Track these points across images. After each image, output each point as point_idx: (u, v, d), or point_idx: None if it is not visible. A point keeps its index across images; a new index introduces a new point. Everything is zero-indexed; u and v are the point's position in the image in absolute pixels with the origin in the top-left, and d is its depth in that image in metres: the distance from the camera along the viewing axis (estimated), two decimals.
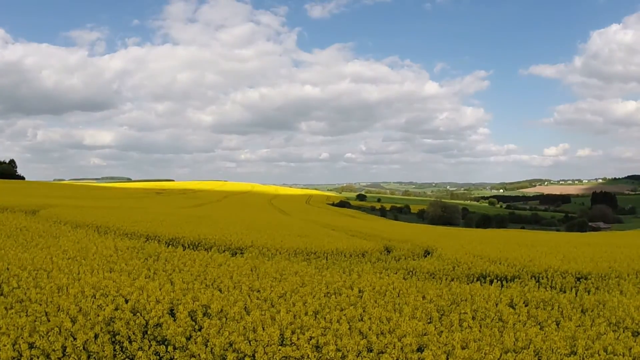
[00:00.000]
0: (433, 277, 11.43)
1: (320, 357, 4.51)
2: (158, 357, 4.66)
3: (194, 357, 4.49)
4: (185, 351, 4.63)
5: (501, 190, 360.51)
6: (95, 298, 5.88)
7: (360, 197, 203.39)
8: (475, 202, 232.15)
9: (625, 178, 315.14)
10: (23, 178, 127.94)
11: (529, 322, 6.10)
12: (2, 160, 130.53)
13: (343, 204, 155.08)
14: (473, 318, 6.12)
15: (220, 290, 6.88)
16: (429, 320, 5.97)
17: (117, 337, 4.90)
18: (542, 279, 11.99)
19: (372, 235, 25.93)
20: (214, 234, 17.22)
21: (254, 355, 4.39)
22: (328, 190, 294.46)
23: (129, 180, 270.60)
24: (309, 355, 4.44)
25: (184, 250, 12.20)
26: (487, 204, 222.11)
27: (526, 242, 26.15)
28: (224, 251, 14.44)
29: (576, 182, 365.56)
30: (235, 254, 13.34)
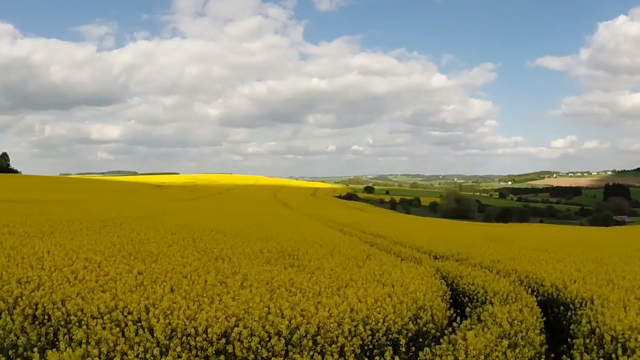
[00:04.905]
0: None
1: None
2: None
3: None
4: None
5: (509, 183, 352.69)
6: None
7: (368, 190, 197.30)
8: (485, 195, 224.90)
9: (634, 170, 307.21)
10: (17, 172, 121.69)
11: None
12: None
13: (350, 196, 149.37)
14: None
15: None
16: None
17: None
18: None
19: (405, 243, 16.63)
20: None
21: None
22: (335, 182, 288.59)
23: (134, 174, 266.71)
24: None
25: None
26: (497, 197, 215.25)
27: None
28: None
29: (585, 174, 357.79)
30: None
